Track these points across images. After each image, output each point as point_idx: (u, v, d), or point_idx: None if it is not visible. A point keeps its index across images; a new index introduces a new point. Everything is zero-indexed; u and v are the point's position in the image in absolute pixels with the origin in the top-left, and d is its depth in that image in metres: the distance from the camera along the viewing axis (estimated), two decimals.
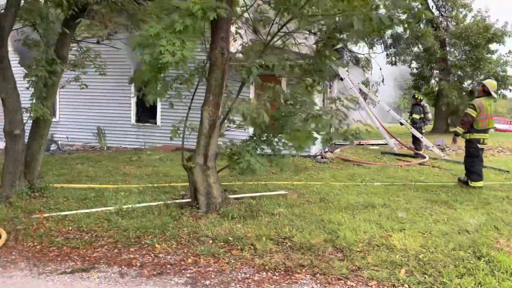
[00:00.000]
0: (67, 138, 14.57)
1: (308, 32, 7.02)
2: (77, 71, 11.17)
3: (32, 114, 6.67)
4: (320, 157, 11.24)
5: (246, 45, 6.78)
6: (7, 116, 6.48)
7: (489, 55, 20.90)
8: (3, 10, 6.41)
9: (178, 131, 6.38)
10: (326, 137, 5.28)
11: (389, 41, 23.58)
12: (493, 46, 21.11)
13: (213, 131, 5.79)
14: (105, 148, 14.00)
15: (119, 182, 8.38)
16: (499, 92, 20.78)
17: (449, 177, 9.21)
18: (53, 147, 14.15)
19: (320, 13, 5.22)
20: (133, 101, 14.11)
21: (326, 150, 12.00)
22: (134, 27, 7.66)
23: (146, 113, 14.22)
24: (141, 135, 14.09)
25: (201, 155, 5.87)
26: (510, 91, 22.61)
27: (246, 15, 6.82)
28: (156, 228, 5.38)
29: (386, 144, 14.53)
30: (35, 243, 5.07)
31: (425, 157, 11.85)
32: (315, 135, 5.68)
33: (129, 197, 7.04)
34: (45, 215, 6.07)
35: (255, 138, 5.84)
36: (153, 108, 14.01)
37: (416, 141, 13.25)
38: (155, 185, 7.98)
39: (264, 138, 5.77)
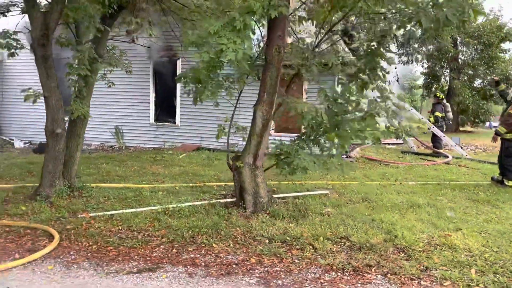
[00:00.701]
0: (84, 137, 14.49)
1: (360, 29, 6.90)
2: (104, 70, 11.14)
3: (73, 113, 6.63)
4: (345, 156, 11.22)
5: (295, 43, 6.70)
6: (49, 115, 6.44)
7: (501, 54, 20.95)
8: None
9: (224, 131, 6.28)
10: (377, 135, 5.24)
11: (400, 39, 23.60)
12: (505, 45, 21.18)
13: (266, 131, 5.76)
14: (123, 147, 13.95)
15: (152, 181, 8.35)
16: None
17: (480, 176, 9.20)
18: None
19: (381, 11, 5.20)
20: (152, 100, 14.06)
21: (350, 149, 11.99)
22: (175, 26, 7.56)
23: (165, 112, 14.19)
24: (159, 135, 14.04)
25: (251, 154, 5.84)
26: None
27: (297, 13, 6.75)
28: (209, 228, 5.35)
29: (402, 143, 14.52)
30: (90, 243, 5.04)
31: (448, 157, 11.84)
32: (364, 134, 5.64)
33: (169, 196, 7.02)
34: (91, 214, 6.04)
35: (303, 137, 5.81)
36: (172, 107, 13.99)
37: (436, 139, 13.24)
38: (190, 184, 7.94)
39: (312, 138, 5.74)
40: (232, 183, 7.98)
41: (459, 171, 9.76)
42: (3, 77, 14.88)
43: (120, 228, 5.55)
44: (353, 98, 5.43)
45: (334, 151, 5.49)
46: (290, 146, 5.58)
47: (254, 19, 4.79)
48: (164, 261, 4.54)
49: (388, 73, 5.40)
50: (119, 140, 14.18)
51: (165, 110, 14.19)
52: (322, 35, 5.99)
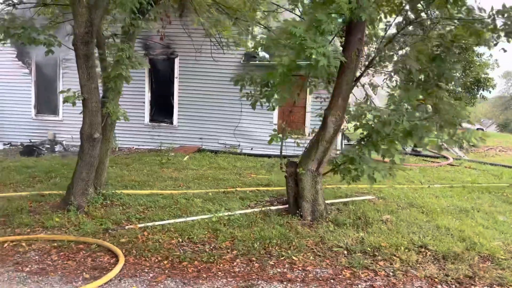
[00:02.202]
0: (72, 138, 13.64)
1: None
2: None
3: (111, 116, 6.14)
4: None
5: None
6: (88, 118, 5.92)
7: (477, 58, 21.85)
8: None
9: (278, 136, 6.03)
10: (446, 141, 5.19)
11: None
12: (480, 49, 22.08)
13: (336, 137, 5.59)
14: (116, 149, 13.26)
15: (175, 187, 7.95)
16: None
17: (493, 178, 9.51)
18: (57, 147, 13.25)
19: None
20: (147, 99, 13.46)
21: None
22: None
23: (161, 112, 13.63)
24: (155, 136, 13.46)
25: (315, 161, 5.65)
26: (490, 92, 23.84)
27: None
28: (277, 239, 5.12)
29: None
30: (159, 258, 4.67)
31: (448, 158, 12.20)
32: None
33: (208, 204, 6.69)
34: (140, 225, 5.62)
35: (362, 142, 5.69)
36: (169, 107, 13.46)
37: None
38: (222, 190, 7.63)
39: (373, 143, 5.61)
40: (264, 188, 7.81)
41: (470, 173, 10.05)
42: None
43: (180, 240, 5.20)
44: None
45: (397, 158, 5.42)
46: (353, 152, 5.44)
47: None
48: (253, 277, 4.27)
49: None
50: None
51: (162, 110, 13.63)
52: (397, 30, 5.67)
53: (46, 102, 13.78)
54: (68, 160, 10.84)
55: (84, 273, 4.31)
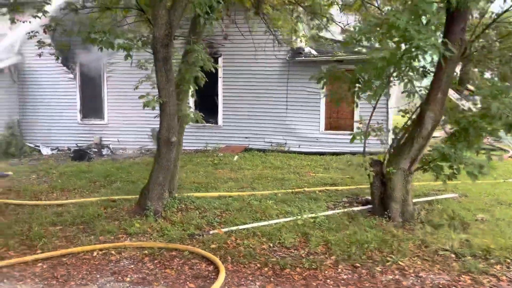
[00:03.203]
0: (118, 141, 13.69)
1: None
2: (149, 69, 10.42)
3: (187, 119, 6.00)
4: None
5: None
6: (165, 122, 5.78)
7: None
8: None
9: (361, 134, 5.76)
10: None
11: None
12: None
13: (432, 134, 5.29)
14: None
15: (240, 188, 7.79)
16: None
17: None
18: (105, 151, 13.30)
19: None
20: (191, 100, 13.32)
21: None
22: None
23: (205, 112, 13.38)
24: (200, 136, 13.33)
25: (408, 159, 5.37)
26: None
27: None
28: (374, 242, 4.87)
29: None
30: (258, 265, 4.49)
31: (508, 151, 11.69)
32: None
33: (282, 205, 6.49)
34: (224, 230, 5.46)
35: (453, 138, 5.36)
36: (214, 107, 13.33)
37: None
38: (290, 190, 7.42)
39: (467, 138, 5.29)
40: (333, 188, 7.56)
41: None
42: (24, 82, 13.87)
43: (271, 245, 5.02)
44: None
45: (496, 153, 5.09)
46: (446, 148, 5.13)
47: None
48: (367, 285, 4.04)
49: None
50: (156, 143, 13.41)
51: (206, 110, 13.45)
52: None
53: (91, 106, 13.84)
54: (119, 163, 10.85)
55: (188, 283, 4.16)
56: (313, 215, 5.75)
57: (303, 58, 11.94)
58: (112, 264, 4.67)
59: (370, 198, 6.18)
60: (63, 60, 13.62)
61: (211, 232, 5.41)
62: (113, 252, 4.95)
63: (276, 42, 9.05)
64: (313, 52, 11.91)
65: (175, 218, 5.94)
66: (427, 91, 5.34)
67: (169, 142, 5.84)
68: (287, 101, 12.48)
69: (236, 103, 12.94)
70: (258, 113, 12.73)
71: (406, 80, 5.13)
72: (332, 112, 12.31)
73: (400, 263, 4.44)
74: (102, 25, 5.53)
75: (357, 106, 5.79)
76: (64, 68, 13.69)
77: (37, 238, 5.33)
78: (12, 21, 7.44)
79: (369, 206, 6.01)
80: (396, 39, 4.40)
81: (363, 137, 5.69)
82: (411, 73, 5.00)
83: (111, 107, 13.70)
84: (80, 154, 12.14)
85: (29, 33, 7.41)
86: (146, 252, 4.90)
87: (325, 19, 6.89)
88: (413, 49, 4.11)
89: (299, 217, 5.68)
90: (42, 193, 7.78)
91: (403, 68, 4.84)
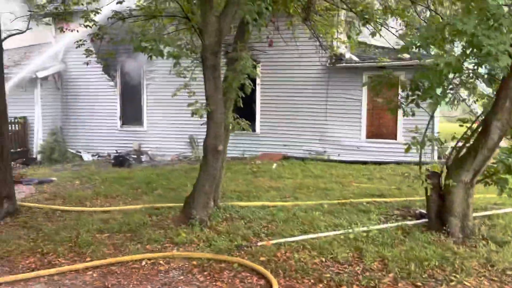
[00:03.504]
0: (156, 147, 13.81)
1: None
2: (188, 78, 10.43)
3: (233, 127, 5.90)
4: None
5: None
6: (212, 130, 5.71)
7: None
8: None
9: (417, 144, 5.47)
10: None
11: None
12: None
13: (498, 145, 4.98)
14: (200, 158, 13.19)
15: (282, 198, 7.62)
16: None
17: None
18: (144, 158, 13.44)
19: None
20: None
21: None
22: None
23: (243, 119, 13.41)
24: (237, 143, 13.22)
25: (470, 171, 5.05)
26: None
27: None
28: (435, 260, 4.58)
29: None
30: (312, 281, 4.30)
31: None
32: None
33: (329, 217, 6.27)
34: (272, 242, 5.29)
35: None
36: (251, 114, 13.23)
37: None
38: (335, 201, 7.18)
39: None
40: (380, 200, 7.25)
41: None
42: (67, 90, 14.27)
43: (323, 259, 4.80)
44: None
45: None
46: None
47: None
48: None
49: None
50: (193, 150, 13.46)
51: (244, 117, 13.38)
52: None
53: (131, 113, 14.07)
54: (159, 170, 10.91)
55: None
56: (365, 228, 5.49)
57: (344, 64, 11.69)
58: (161, 274, 4.59)
59: (424, 211, 5.88)
60: (105, 68, 13.94)
61: (259, 243, 5.26)
62: (161, 261, 4.88)
63: (321, 48, 8.86)
64: (354, 58, 11.64)
65: (221, 228, 5.83)
66: (491, 99, 5.02)
67: (216, 150, 5.75)
68: (326, 108, 12.26)
69: (274, 111, 12.81)
70: (296, 120, 12.55)
71: (470, 87, 4.83)
72: (374, 120, 11.97)
73: (466, 283, 4.14)
74: (152, 33, 5.52)
75: (413, 114, 5.47)
76: (106, 76, 14.01)
77: (86, 246, 5.35)
78: (61, 30, 7.62)
79: (424, 220, 5.71)
80: (461, 44, 4.14)
81: (418, 147, 5.36)
82: (472, 80, 4.70)
83: (150, 114, 13.87)
84: (120, 161, 12.32)
85: (77, 41, 7.55)
86: (194, 263, 4.80)
87: (377, 25, 6.65)
88: (481, 56, 3.84)
89: (350, 230, 5.44)
90: (86, 199, 7.88)
91: (466, 75, 4.56)
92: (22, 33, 7.51)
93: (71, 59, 14.01)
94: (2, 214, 6.67)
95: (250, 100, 13.32)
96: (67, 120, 14.33)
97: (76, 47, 7.77)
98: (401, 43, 6.59)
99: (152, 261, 4.91)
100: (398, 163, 10.77)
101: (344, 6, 6.50)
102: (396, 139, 11.74)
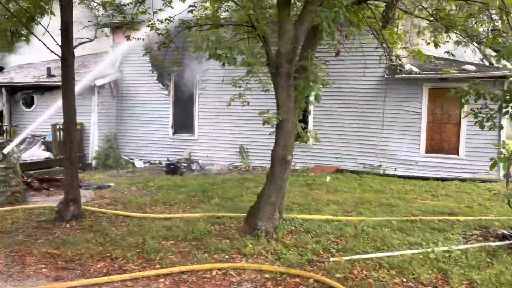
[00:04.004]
0: (207, 156, 13.85)
1: None
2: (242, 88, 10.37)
3: (303, 138, 5.73)
4: None
5: None
6: (282, 139, 5.57)
7: None
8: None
9: (505, 159, 5.07)
10: None
11: None
12: None
13: None
14: (250, 168, 13.14)
15: (344, 212, 7.34)
16: None
17: None
18: (194, 166, 13.50)
19: None
20: None
21: None
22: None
23: None
24: None
25: None
26: None
27: None
28: None
29: None
30: None
31: None
32: None
33: (400, 234, 5.94)
34: (345, 258, 5.04)
35: None
36: (304, 124, 13.00)
37: None
38: (403, 218, 6.81)
39: None
40: (453, 218, 6.82)
41: None
42: (122, 97, 14.64)
43: (404, 280, 4.50)
44: None
45: None
46: None
47: None
48: None
49: None
50: (244, 160, 13.38)
51: None
52: None
53: (182, 122, 14.23)
54: (211, 179, 10.86)
55: None
56: (445, 248, 5.13)
57: (403, 75, 11.28)
58: (234, 286, 4.46)
59: (507, 232, 5.44)
60: (159, 77, 14.23)
61: (331, 259, 5.02)
62: (232, 273, 4.75)
63: (386, 58, 8.55)
64: (415, 69, 11.21)
65: (288, 240, 5.64)
66: None
67: (285, 161, 5.59)
68: (383, 120, 11.85)
69: (327, 122, 12.52)
70: (351, 132, 12.21)
71: None
72: (434, 134, 11.45)
73: None
74: (226, 41, 5.48)
75: (502, 128, 5.08)
76: (160, 85, 14.28)
77: (153, 252, 5.31)
78: (128, 38, 7.78)
79: (509, 242, 5.26)
80: None
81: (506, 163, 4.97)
82: None
83: (202, 123, 13.97)
84: (172, 169, 12.43)
85: (145, 49, 7.68)
86: (267, 276, 4.62)
87: (461, 32, 6.31)
88: None
89: (429, 249, 5.09)
90: (146, 206, 7.92)
91: None
92: (90, 41, 7.70)
93: (127, 68, 14.41)
94: (68, 217, 6.80)
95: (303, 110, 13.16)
96: (121, 128, 14.67)
97: (143, 55, 7.90)
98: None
99: (222, 271, 4.79)
100: (462, 180, 10.20)
101: (421, 14, 6.21)
102: (458, 155, 11.18)
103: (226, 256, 5.22)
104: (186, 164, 13.39)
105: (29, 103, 15.12)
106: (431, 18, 5.88)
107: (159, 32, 7.53)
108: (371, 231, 6.05)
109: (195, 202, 8.24)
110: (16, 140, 10.19)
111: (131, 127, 14.55)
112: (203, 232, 6.02)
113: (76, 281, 4.51)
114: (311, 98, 6.07)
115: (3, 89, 14.85)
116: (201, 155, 13.86)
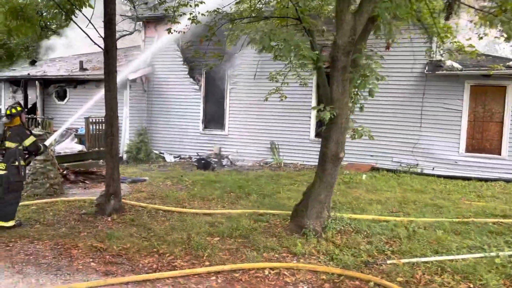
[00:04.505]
0: (237, 152, 13.71)
1: None
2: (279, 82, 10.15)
3: (356, 134, 5.48)
4: None
5: None
6: (335, 135, 5.34)
7: None
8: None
9: None
10: None
11: None
12: None
13: None
14: (282, 165, 12.92)
15: (390, 212, 7.09)
16: None
17: None
18: (224, 161, 13.38)
19: None
20: (313, 114, 12.88)
21: None
22: None
23: None
24: (318, 151, 12.77)
25: None
26: None
27: None
28: None
29: None
30: None
31: None
32: None
33: (454, 236, 5.65)
34: (404, 260, 4.79)
35: None
36: None
37: None
38: (455, 220, 6.49)
39: None
40: (507, 221, 6.48)
41: None
42: (153, 91, 14.61)
43: (471, 285, 4.24)
44: None
45: None
46: None
47: None
48: None
49: None
50: (275, 156, 13.18)
51: None
52: None
53: (213, 117, 14.11)
54: (244, 175, 10.71)
55: None
56: (510, 253, 4.82)
57: (444, 71, 10.87)
58: (290, 286, 4.27)
59: None
60: (190, 71, 14.14)
61: (388, 261, 4.78)
62: (285, 272, 4.57)
63: (434, 53, 8.16)
64: (456, 65, 10.79)
65: (338, 240, 5.43)
66: None
67: (337, 158, 5.37)
68: (421, 118, 11.47)
69: (362, 118, 12.14)
70: (387, 130, 11.84)
71: None
72: (476, 133, 11.01)
73: None
74: (281, 32, 5.26)
75: None
76: (191, 79, 14.19)
77: (200, 249, 5.18)
78: (169, 31, 7.65)
79: None
80: None
81: None
82: None
83: (232, 118, 13.81)
84: (204, 164, 12.33)
85: (187, 42, 7.55)
86: (324, 277, 4.43)
87: None
88: None
89: (493, 254, 4.80)
90: (184, 200, 7.82)
91: None
92: (131, 34, 7.60)
93: (158, 62, 14.37)
94: (109, 210, 6.74)
95: None
96: (151, 122, 14.66)
97: (185, 48, 7.76)
98: None
99: (275, 271, 4.61)
100: (507, 181, 9.78)
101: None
102: (500, 155, 10.72)
103: (276, 255, 5.05)
104: (216, 160, 13.29)
105: (62, 96, 15.27)
106: (493, 10, 5.52)
107: (200, 24, 7.38)
108: (424, 232, 5.78)
109: (232, 198, 8.10)
110: (57, 133, 10.25)
111: (161, 122, 14.53)
112: (248, 229, 5.87)
113: (127, 276, 4.41)
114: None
115: (36, 82, 15.03)
116: (231, 150, 13.73)
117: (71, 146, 13.20)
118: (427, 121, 11.41)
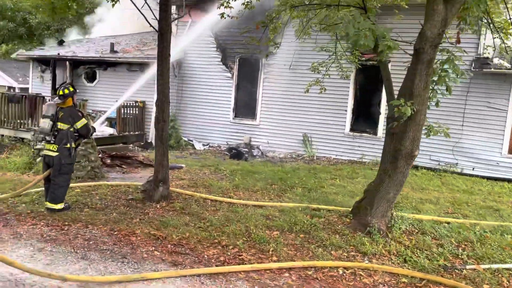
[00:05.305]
0: (268, 142, 13.48)
1: None
2: (321, 73, 9.85)
3: (431, 131, 5.19)
4: None
5: None
6: (411, 132, 5.05)
7: None
8: None
9: None
10: None
11: None
12: None
13: None
14: (314, 158, 12.68)
15: (444, 213, 6.82)
16: None
17: None
18: (255, 152, 13.18)
19: None
20: (350, 107, 12.60)
21: None
22: None
23: (364, 121, 12.66)
24: (356, 146, 12.52)
25: None
26: None
27: None
28: None
29: None
30: None
31: None
32: None
33: None
34: (483, 266, 4.55)
35: None
36: (374, 116, 12.42)
37: None
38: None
39: None
40: None
41: None
42: (184, 78, 14.39)
43: None
44: None
45: None
46: None
47: None
48: None
49: None
50: (307, 148, 12.93)
51: (364, 119, 12.67)
52: None
53: (244, 106, 13.86)
54: (279, 167, 10.47)
55: None
56: None
57: (492, 69, 10.48)
58: None
59: None
60: (223, 58, 13.88)
61: (467, 266, 4.54)
62: (361, 273, 4.34)
63: (494, 49, 7.80)
64: (506, 64, 10.39)
65: (406, 241, 5.19)
66: None
67: (411, 156, 5.10)
68: (463, 116, 11.11)
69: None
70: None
71: None
72: None
73: None
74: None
75: None
76: (223, 67, 13.93)
77: (263, 243, 4.99)
78: (222, 16, 7.40)
79: None
80: None
81: None
82: None
83: (264, 108, 13.55)
84: (236, 153, 12.15)
85: (243, 28, 7.29)
86: (404, 280, 4.20)
87: None
88: None
89: None
90: (228, 190, 7.63)
91: None
92: (181, 17, 7.35)
93: (190, 48, 14.11)
94: (156, 197, 6.57)
95: (373, 101, 12.53)
96: (181, 108, 14.46)
97: (241, 33, 7.49)
98: None
99: (349, 271, 4.40)
100: None
101: None
102: None
103: (345, 254, 4.83)
104: (246, 149, 13.09)
105: (91, 78, 15.12)
106: None
107: (253, 8, 7.12)
108: (493, 237, 5.52)
109: (277, 190, 7.88)
110: (105, 115, 10.09)
111: (191, 108, 14.32)
112: (308, 224, 5.65)
113: (200, 268, 4.23)
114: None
115: (67, 62, 14.88)
116: (262, 141, 13.51)
117: (101, 129, 13.04)
118: (470, 119, 11.06)
